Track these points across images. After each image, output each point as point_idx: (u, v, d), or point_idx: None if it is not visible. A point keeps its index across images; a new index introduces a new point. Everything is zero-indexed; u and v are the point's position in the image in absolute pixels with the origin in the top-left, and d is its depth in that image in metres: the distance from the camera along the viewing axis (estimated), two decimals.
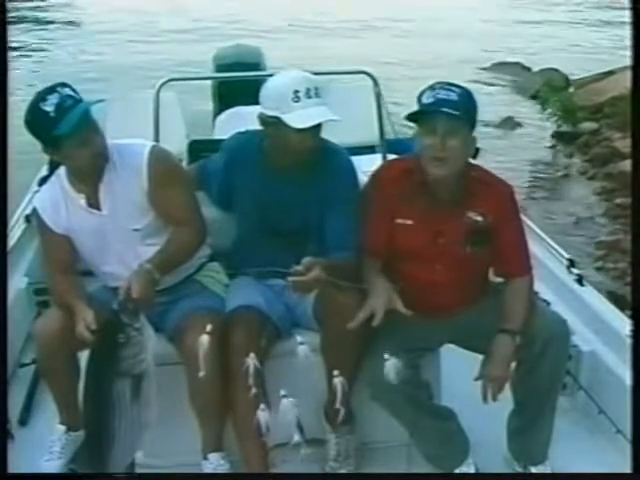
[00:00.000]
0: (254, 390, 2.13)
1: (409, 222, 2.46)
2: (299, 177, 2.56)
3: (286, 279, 2.64)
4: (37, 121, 2.34)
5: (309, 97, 2.42)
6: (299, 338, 2.18)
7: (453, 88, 2.35)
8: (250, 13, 14.87)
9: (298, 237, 2.59)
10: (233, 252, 2.76)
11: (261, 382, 2.22)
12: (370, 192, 2.55)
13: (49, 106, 2.30)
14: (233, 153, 2.69)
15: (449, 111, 2.28)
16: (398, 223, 2.47)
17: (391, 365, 2.21)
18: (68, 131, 2.30)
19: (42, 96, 2.33)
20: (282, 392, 2.05)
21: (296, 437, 2.03)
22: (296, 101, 2.42)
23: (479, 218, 2.46)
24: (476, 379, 2.44)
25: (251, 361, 2.14)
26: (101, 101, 2.45)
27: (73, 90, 2.37)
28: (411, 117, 2.37)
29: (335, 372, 2.17)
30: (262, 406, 2.06)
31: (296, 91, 2.42)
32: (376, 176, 2.58)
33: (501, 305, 2.49)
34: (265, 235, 2.64)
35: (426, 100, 2.35)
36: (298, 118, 2.41)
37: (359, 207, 2.53)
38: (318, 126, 2.46)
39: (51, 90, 2.34)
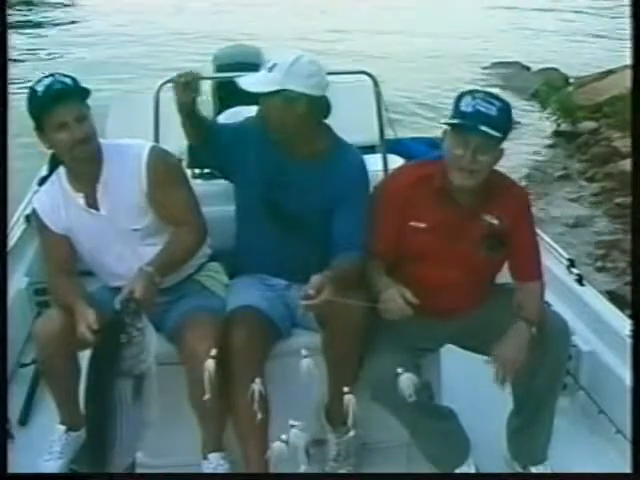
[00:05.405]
0: (260, 416, 2.16)
1: (422, 225, 2.44)
2: (309, 163, 2.56)
3: (286, 279, 2.66)
4: (29, 100, 2.37)
5: (270, 71, 2.45)
6: (304, 352, 2.17)
7: (494, 101, 2.30)
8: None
9: (299, 221, 2.57)
10: (234, 240, 2.75)
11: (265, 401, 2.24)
12: (382, 195, 2.52)
13: (40, 86, 2.36)
14: (243, 125, 2.70)
15: (489, 131, 2.24)
16: (411, 225, 2.45)
17: (406, 379, 2.21)
18: (40, 93, 2.33)
19: (40, 79, 2.38)
20: (290, 422, 2.04)
21: (303, 467, 2.04)
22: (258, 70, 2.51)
23: (495, 221, 2.44)
24: (487, 362, 2.42)
25: (256, 387, 2.16)
26: (87, 90, 2.44)
27: (74, 80, 2.40)
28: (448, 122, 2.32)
29: (345, 389, 2.16)
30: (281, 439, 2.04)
31: (266, 62, 2.50)
32: (391, 180, 2.57)
33: (515, 303, 2.48)
34: (266, 215, 2.61)
35: (465, 108, 2.28)
36: (241, 80, 2.51)
37: (368, 207, 2.52)
38: (274, 99, 2.45)
39: (50, 75, 2.39)
